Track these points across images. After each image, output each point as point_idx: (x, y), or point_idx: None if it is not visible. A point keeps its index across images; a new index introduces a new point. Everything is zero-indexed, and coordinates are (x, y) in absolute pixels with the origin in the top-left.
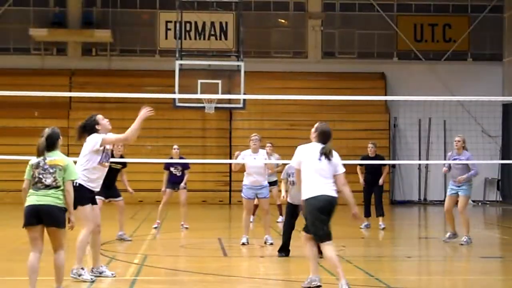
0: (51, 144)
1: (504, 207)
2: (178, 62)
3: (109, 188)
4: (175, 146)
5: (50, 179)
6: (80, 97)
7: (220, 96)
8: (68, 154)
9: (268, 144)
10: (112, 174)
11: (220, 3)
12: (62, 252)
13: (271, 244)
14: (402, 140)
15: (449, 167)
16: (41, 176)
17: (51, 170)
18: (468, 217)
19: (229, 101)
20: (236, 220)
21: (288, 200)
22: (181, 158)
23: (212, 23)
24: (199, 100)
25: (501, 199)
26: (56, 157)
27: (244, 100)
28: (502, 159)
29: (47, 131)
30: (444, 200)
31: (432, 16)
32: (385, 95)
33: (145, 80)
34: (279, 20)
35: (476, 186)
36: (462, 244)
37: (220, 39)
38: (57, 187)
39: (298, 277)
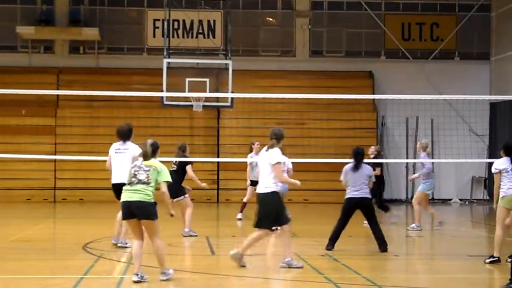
0: (155, 149)
1: (491, 206)
2: (166, 60)
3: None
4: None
5: (144, 175)
6: (67, 95)
7: (208, 94)
8: (55, 153)
9: (257, 143)
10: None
11: (208, 1)
12: (157, 239)
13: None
14: (389, 139)
15: None
16: (136, 172)
17: (145, 169)
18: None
19: (217, 99)
20: (223, 219)
21: None
22: None
23: (200, 21)
24: (187, 99)
25: (488, 198)
26: (153, 160)
27: (232, 98)
28: (490, 157)
29: (150, 141)
30: (431, 199)
31: (420, 15)
32: (373, 93)
33: (132, 78)
34: (267, 18)
35: (463, 184)
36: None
37: (208, 37)
38: (147, 183)
39: (285, 276)
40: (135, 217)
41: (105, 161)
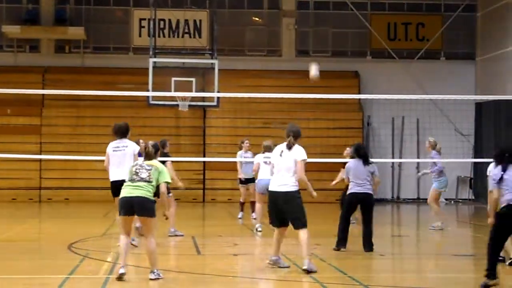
0: (156, 151)
1: (476, 206)
2: (152, 60)
3: None
4: (141, 141)
5: (145, 174)
6: (53, 95)
7: (194, 94)
8: (41, 152)
9: (246, 141)
10: None
11: (194, 0)
12: (152, 238)
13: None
14: (375, 139)
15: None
16: (138, 170)
17: (147, 168)
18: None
19: (203, 99)
20: (209, 219)
21: None
22: (140, 155)
23: (186, 21)
24: (173, 98)
25: (473, 198)
26: (154, 161)
27: (218, 98)
28: (475, 157)
29: (151, 142)
30: (417, 198)
31: (406, 15)
32: (359, 93)
33: (118, 77)
34: (253, 18)
35: (449, 184)
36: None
37: (194, 37)
38: (149, 181)
39: (270, 276)
40: (133, 214)
41: (92, 161)
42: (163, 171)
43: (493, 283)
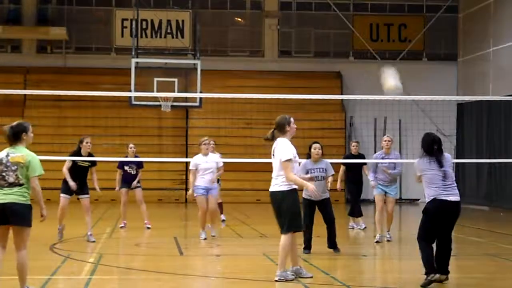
0: (15, 133)
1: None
2: (134, 60)
3: (79, 186)
4: (131, 145)
5: (13, 177)
6: (35, 95)
7: (176, 94)
8: None
9: (211, 142)
10: (81, 172)
11: (176, 1)
12: (24, 250)
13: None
14: (358, 139)
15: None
16: (4, 174)
17: (13, 168)
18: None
19: (186, 99)
20: (192, 219)
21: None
22: (136, 157)
23: (169, 21)
24: (155, 99)
25: None
26: (18, 153)
27: (201, 98)
28: (457, 158)
29: (14, 123)
30: (399, 199)
31: (388, 16)
32: (341, 94)
33: (100, 78)
34: (236, 18)
35: None
36: (389, 240)
37: (177, 37)
38: (20, 184)
39: (253, 276)
40: (8, 223)
41: (73, 161)
42: (32, 162)
43: (436, 278)
